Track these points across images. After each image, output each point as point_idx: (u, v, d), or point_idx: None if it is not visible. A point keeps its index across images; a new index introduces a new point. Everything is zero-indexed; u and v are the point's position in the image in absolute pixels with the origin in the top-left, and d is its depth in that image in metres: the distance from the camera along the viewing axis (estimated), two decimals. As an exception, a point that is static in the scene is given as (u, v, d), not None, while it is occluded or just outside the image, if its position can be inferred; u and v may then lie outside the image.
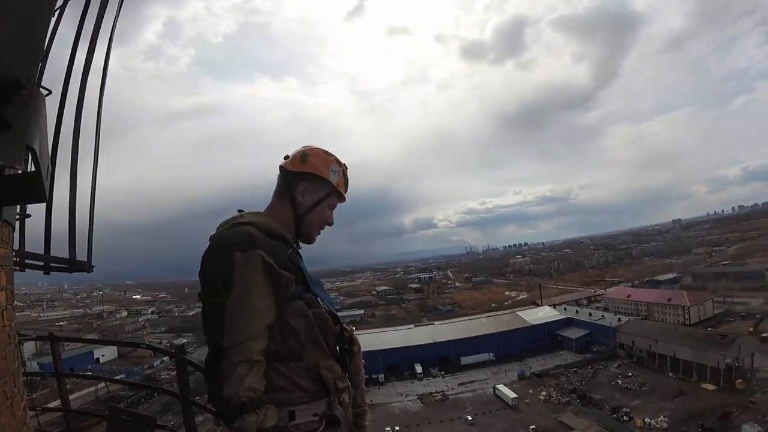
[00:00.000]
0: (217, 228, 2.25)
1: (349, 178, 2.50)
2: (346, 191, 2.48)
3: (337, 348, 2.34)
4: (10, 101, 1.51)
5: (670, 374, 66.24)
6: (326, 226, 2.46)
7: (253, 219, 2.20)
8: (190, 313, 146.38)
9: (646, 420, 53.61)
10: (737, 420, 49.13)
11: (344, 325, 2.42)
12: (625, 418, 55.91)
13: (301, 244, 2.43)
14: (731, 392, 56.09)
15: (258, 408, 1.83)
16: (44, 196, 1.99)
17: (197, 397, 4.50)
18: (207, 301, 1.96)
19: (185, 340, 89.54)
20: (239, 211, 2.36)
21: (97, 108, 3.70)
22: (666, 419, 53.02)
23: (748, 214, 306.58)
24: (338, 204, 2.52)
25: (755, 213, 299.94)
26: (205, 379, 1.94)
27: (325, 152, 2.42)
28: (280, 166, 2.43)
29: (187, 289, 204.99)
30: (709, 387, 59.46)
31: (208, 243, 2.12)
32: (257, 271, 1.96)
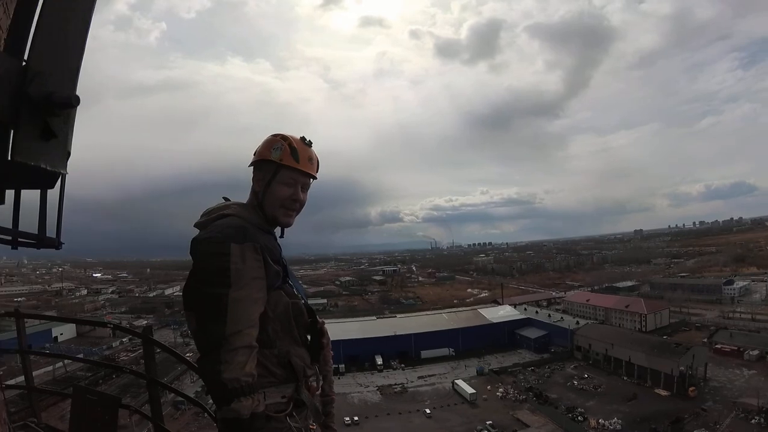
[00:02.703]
0: (202, 215, 2.34)
1: (308, 148, 2.43)
2: (299, 160, 2.37)
3: (308, 338, 2.43)
4: (57, 115, 1.66)
5: (625, 378, 68.14)
6: (296, 204, 2.43)
7: (239, 211, 2.29)
8: (151, 294, 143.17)
9: (600, 421, 54.92)
10: (689, 426, 51.02)
11: (317, 317, 2.51)
12: (579, 418, 57.10)
13: (282, 232, 2.49)
14: (683, 399, 58.03)
15: (254, 392, 1.95)
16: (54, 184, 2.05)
17: (164, 379, 4.50)
18: (206, 291, 2.01)
19: (146, 322, 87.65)
20: (225, 198, 2.45)
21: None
22: (619, 421, 54.38)
23: (708, 230, 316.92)
24: (308, 179, 2.46)
25: (715, 229, 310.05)
26: (200, 364, 2.02)
27: (272, 135, 2.42)
28: None
29: (149, 270, 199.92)
30: (663, 392, 61.18)
31: (198, 232, 2.21)
32: (255, 262, 2.09)
